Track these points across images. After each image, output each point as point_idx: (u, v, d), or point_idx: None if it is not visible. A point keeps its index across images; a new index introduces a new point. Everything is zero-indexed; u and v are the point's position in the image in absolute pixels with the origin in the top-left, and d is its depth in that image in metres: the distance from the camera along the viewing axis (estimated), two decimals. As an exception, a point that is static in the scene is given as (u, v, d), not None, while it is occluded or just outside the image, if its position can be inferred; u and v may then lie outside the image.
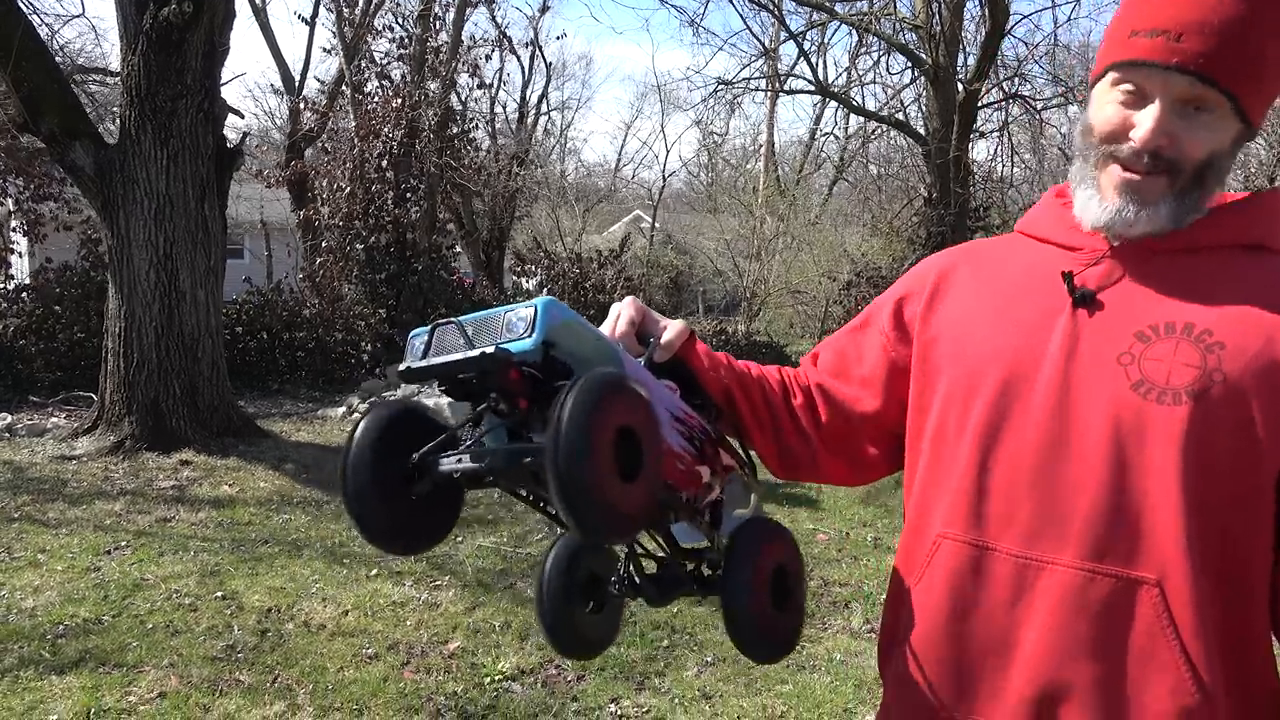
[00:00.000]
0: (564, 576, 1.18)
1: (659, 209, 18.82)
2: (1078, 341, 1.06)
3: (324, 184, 12.19)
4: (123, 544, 4.92)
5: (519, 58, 19.25)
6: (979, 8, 11.95)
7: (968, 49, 12.45)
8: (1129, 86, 1.05)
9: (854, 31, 14.07)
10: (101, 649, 3.64)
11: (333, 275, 11.64)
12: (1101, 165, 1.08)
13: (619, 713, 3.32)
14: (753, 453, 1.29)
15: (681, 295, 21.30)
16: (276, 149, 17.24)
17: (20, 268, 12.34)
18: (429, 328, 1.06)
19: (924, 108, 13.48)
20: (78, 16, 20.64)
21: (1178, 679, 0.99)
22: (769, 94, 17.13)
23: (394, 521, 1.01)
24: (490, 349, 0.97)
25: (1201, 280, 1.06)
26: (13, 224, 12.69)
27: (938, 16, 11.53)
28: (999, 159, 15.02)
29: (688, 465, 1.12)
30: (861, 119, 17.08)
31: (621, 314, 1.20)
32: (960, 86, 11.68)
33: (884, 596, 1.28)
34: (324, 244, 12.02)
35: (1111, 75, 1.07)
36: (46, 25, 10.51)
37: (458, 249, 15.33)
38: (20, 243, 13.31)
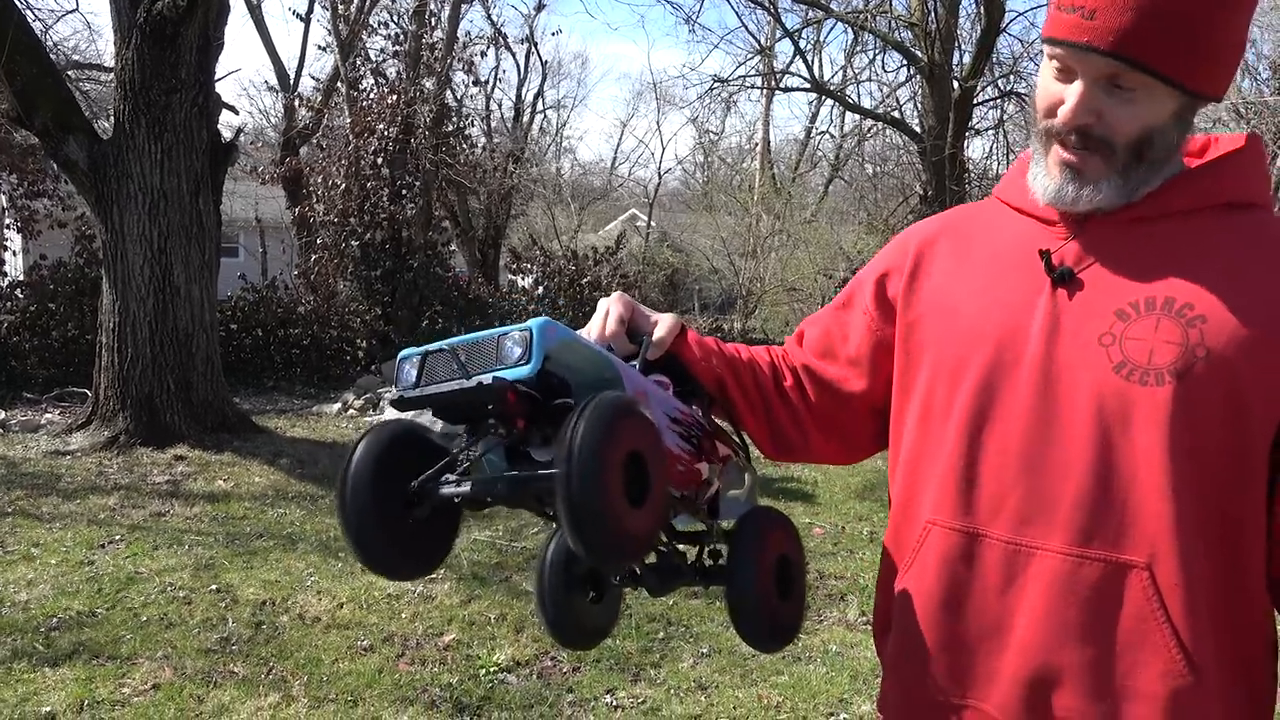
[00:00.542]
0: (564, 567, 1.17)
1: (655, 207, 18.85)
2: (1059, 322, 1.05)
3: (319, 181, 12.16)
4: (117, 538, 4.90)
5: (514, 55, 19.23)
6: (974, 5, 11.97)
7: (963, 46, 12.45)
8: (1057, 63, 1.03)
9: (849, 29, 14.10)
10: (95, 641, 3.63)
11: (328, 272, 11.62)
12: (1046, 142, 1.07)
13: (614, 704, 3.31)
14: (745, 436, 1.29)
15: (677, 293, 21.30)
16: (271, 146, 17.22)
17: (14, 264, 12.29)
18: (419, 352, 1.02)
19: (919, 105, 13.47)
20: (71, 12, 20.59)
21: (1169, 661, 0.99)
22: (765, 92, 17.13)
23: (394, 547, 0.99)
24: (488, 380, 0.94)
25: (1180, 249, 1.04)
26: (6, 220, 12.66)
27: (933, 14, 11.52)
28: (994, 156, 15.06)
29: (687, 465, 1.11)
30: (857, 116, 17.12)
31: (610, 311, 1.18)
32: (955, 84, 11.67)
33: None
34: (319, 241, 12.00)
35: (1046, 49, 1.05)
36: (40, 20, 10.49)
37: (453, 246, 15.29)
38: (14, 239, 13.27)
